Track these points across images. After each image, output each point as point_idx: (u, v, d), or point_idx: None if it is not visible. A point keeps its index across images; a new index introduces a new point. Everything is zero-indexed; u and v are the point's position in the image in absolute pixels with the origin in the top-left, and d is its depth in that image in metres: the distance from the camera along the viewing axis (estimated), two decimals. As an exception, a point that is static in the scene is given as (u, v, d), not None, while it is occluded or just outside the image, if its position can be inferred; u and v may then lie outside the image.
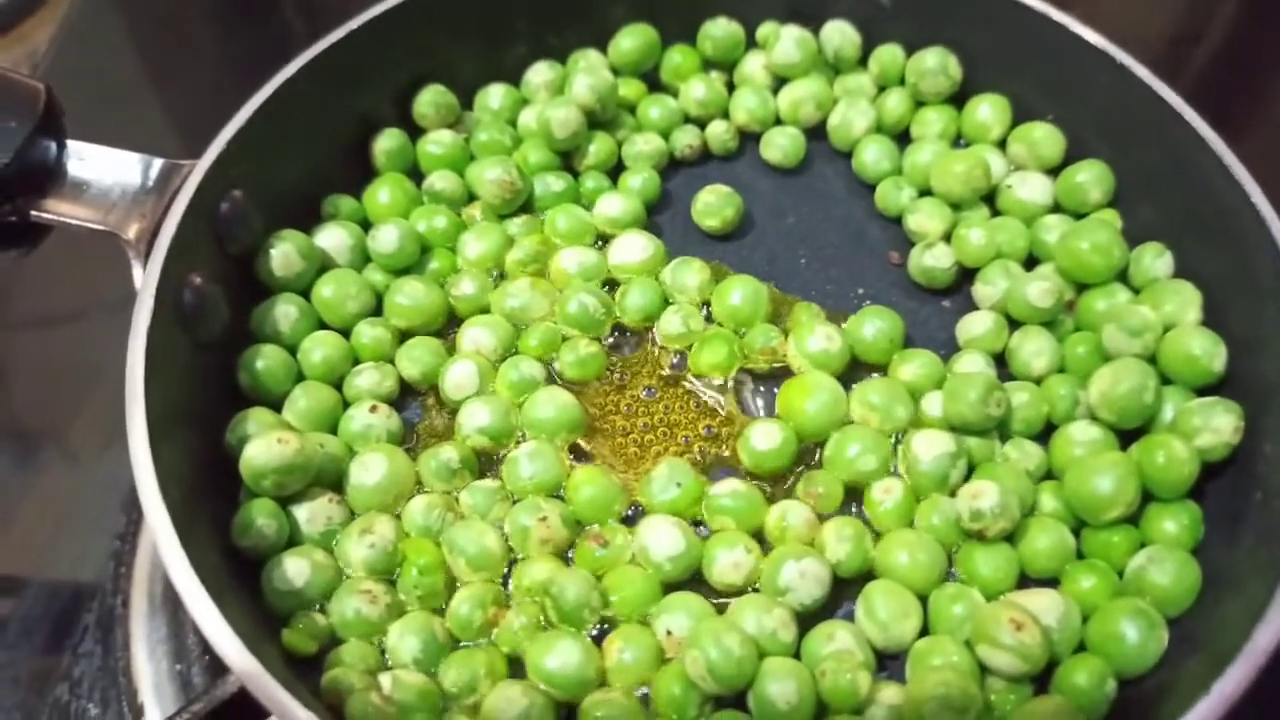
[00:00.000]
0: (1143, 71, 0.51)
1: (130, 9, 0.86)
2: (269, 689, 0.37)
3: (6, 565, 0.60)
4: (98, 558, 0.58)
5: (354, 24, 0.54)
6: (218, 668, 0.51)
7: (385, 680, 0.40)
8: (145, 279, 0.45)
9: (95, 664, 0.56)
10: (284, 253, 0.50)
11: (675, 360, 0.51)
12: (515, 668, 0.42)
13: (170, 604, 0.57)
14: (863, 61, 0.59)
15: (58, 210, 0.48)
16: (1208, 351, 0.46)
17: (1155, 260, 0.50)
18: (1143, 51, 0.52)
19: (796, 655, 0.41)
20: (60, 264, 0.67)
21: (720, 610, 0.42)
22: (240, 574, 0.44)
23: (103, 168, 0.49)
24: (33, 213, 0.48)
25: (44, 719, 0.54)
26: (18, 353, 0.68)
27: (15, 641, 0.57)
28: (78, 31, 0.81)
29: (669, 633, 0.41)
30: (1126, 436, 0.46)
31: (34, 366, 0.68)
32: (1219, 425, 0.43)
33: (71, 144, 0.49)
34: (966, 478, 0.45)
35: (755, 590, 0.43)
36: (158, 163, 0.49)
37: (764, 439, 0.46)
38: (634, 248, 0.53)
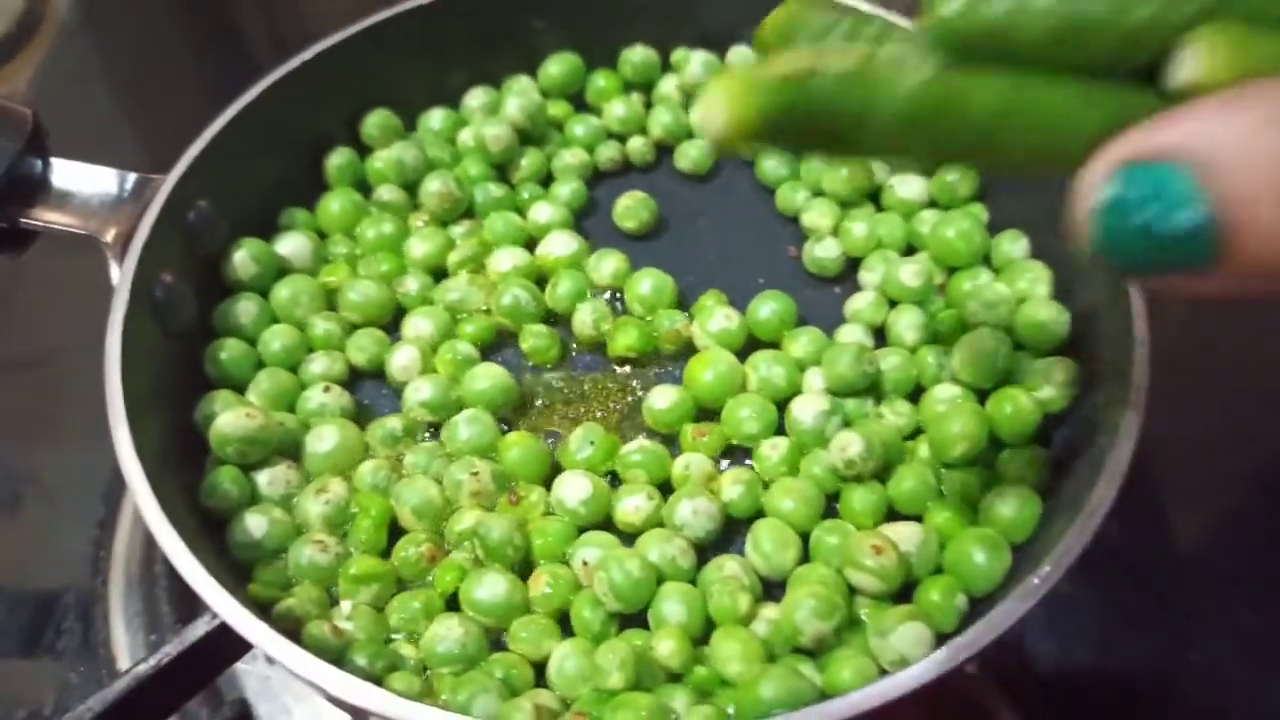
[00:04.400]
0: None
1: (103, 51, 0.92)
2: (245, 620, 0.41)
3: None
4: (80, 543, 0.64)
5: (308, 54, 0.59)
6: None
7: (345, 606, 0.45)
8: (121, 276, 0.50)
9: (76, 639, 0.61)
10: (243, 258, 0.56)
11: (594, 347, 0.57)
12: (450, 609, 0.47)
13: (146, 582, 0.62)
14: (764, 81, 0.66)
15: (44, 218, 0.53)
16: (1054, 320, 0.52)
17: (1013, 244, 0.56)
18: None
19: (694, 583, 0.47)
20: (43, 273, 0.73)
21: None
22: (209, 537, 0.48)
23: (83, 181, 0.54)
24: (21, 220, 0.53)
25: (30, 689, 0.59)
26: (5, 358, 0.74)
27: (3, 619, 0.62)
28: (55, 72, 0.87)
29: (585, 563, 0.46)
30: (985, 396, 0.52)
31: (19, 373, 0.73)
32: (1058, 380, 0.50)
33: (55, 161, 0.54)
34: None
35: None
36: (132, 176, 0.54)
37: (661, 399, 0.52)
38: (561, 244, 0.59)
